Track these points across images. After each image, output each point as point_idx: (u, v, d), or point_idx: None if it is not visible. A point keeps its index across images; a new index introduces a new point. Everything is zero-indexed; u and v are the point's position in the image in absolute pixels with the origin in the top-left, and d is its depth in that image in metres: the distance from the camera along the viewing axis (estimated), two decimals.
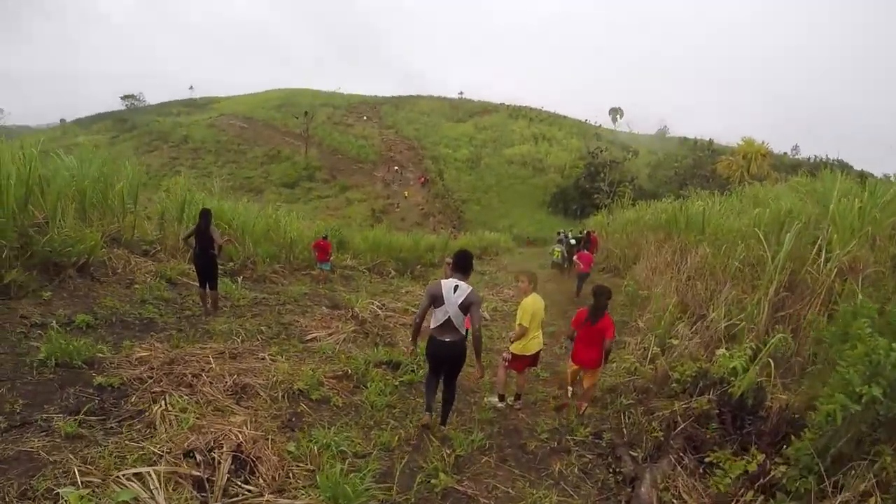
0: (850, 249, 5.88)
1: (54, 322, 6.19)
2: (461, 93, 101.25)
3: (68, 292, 7.56)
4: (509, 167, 63.37)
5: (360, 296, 11.08)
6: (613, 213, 24.91)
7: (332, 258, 15.70)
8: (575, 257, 14.76)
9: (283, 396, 5.20)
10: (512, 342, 5.89)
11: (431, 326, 4.75)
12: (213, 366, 5.45)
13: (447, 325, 4.65)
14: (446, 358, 4.78)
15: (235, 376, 5.27)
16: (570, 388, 6.38)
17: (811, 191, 9.43)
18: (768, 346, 5.14)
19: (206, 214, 8.15)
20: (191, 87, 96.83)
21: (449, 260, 7.00)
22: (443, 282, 4.69)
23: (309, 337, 7.75)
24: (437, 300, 4.63)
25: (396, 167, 61.24)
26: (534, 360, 6.09)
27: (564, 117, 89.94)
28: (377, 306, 10.04)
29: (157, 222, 11.71)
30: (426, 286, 6.47)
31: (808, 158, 67.25)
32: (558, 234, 23.80)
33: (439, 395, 5.18)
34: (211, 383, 5.11)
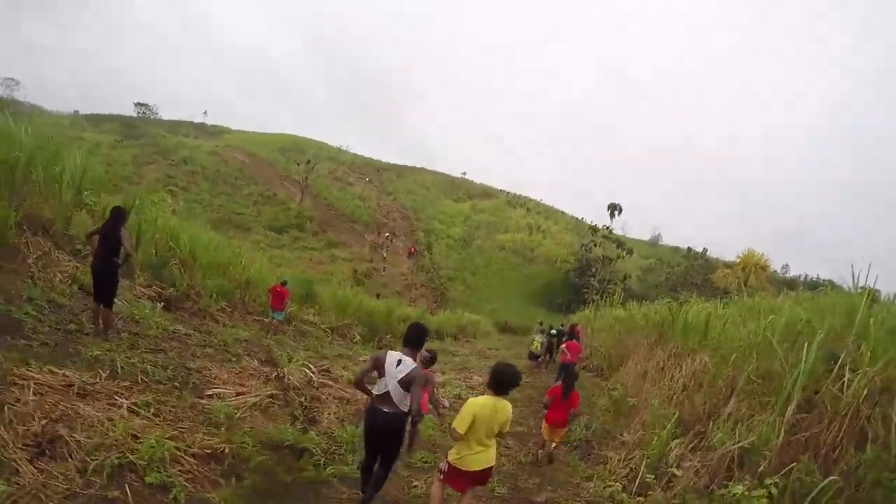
0: (879, 367, 4.90)
1: None
2: (464, 173, 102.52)
3: None
4: (500, 252, 62.63)
5: (297, 355, 9.35)
6: (601, 309, 23.54)
7: (287, 308, 14.10)
8: (563, 346, 13.36)
9: (103, 467, 3.56)
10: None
11: (374, 394, 4.37)
12: (30, 399, 3.84)
13: (386, 397, 4.28)
14: (382, 431, 4.32)
15: (47, 421, 3.65)
16: (540, 451, 7.21)
17: (817, 304, 8.41)
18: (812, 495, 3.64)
19: (116, 213, 6.70)
20: (205, 113, 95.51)
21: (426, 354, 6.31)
22: (389, 353, 4.39)
23: (210, 392, 6.10)
24: (380, 369, 4.35)
25: (388, 234, 59.84)
26: (479, 478, 4.36)
27: (561, 212, 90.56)
28: (313, 371, 8.30)
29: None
30: None
31: (799, 276, 67.59)
32: (540, 324, 22.37)
33: None
34: (11, 423, 3.51)
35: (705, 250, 62.19)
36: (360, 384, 4.50)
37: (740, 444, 5.15)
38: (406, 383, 4.21)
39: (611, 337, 17.28)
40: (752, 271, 43.29)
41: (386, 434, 4.31)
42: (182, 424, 4.80)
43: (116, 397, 4.69)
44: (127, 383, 5.24)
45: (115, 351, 6.02)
